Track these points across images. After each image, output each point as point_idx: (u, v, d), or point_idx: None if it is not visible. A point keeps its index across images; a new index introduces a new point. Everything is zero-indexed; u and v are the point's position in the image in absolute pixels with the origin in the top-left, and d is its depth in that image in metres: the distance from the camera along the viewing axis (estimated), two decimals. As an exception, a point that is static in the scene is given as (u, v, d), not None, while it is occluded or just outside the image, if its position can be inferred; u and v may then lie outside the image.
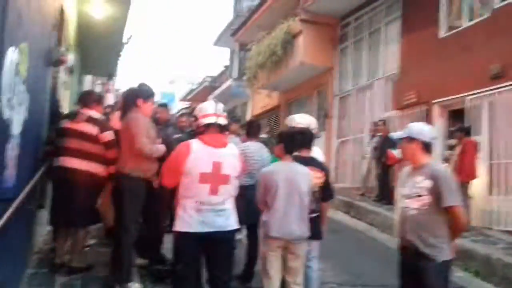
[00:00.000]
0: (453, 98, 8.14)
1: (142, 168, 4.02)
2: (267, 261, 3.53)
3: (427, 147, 3.11)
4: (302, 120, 4.67)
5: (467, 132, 7.20)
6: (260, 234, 3.74)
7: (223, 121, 3.48)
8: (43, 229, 5.17)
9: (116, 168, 4.10)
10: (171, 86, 37.18)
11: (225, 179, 3.33)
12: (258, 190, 3.68)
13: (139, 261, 4.53)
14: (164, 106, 6.57)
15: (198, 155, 3.27)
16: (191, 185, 3.24)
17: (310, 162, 3.95)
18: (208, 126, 3.41)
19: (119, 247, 3.97)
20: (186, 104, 29.99)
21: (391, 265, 3.40)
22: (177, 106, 27.90)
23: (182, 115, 6.33)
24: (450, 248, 3.00)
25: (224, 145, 3.44)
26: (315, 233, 3.85)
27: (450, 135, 8.05)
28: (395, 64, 10.23)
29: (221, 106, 3.56)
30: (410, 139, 3.14)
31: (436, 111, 8.68)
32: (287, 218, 3.48)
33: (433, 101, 8.64)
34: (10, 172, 2.69)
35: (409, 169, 3.23)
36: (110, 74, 12.81)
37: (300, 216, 3.53)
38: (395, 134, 3.36)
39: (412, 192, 3.07)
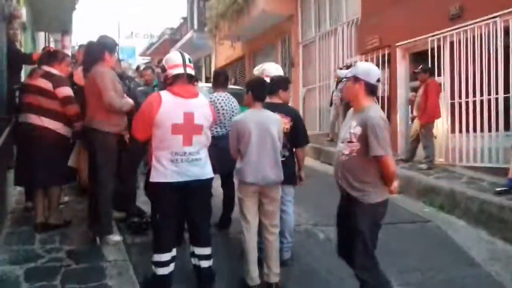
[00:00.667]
0: (415, 40, 8.26)
1: (112, 123, 3.97)
2: (244, 206, 3.62)
3: (371, 89, 2.97)
4: (260, 68, 4.72)
5: (429, 73, 7.39)
6: (235, 181, 3.82)
7: (191, 71, 3.46)
8: (13, 189, 5.08)
9: (84, 123, 4.04)
10: (130, 40, 35.88)
11: (197, 129, 3.37)
12: (231, 139, 3.72)
13: (116, 214, 4.55)
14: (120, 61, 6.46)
15: (169, 106, 3.27)
16: (164, 136, 3.27)
17: (278, 108, 4.00)
18: (177, 77, 3.39)
19: (97, 201, 3.98)
20: (146, 58, 29.20)
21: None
22: (137, 61, 27.09)
23: (146, 68, 6.20)
24: (381, 191, 2.96)
25: (194, 95, 3.44)
26: (290, 178, 3.97)
27: (413, 77, 8.24)
28: (357, 8, 10.20)
29: (187, 56, 3.52)
30: (355, 79, 2.99)
31: (398, 53, 8.81)
32: (261, 164, 3.56)
33: (396, 44, 8.75)
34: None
35: (351, 111, 3.14)
36: (65, 30, 12.22)
37: (274, 161, 3.61)
38: (342, 72, 3.25)
39: (345, 136, 3.02)
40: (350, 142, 2.95)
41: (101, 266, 3.57)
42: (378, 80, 3.04)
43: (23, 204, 4.79)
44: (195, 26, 20.39)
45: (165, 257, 3.33)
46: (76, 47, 10.65)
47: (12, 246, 3.87)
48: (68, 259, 3.66)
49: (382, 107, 9.23)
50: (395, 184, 3.01)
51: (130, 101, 4.10)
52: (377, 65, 9.30)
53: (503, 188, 5.49)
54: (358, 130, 2.90)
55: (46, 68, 4.25)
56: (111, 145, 4.00)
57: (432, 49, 7.72)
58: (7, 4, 4.54)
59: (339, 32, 11.08)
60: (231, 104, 4.78)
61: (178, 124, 3.27)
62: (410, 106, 8.36)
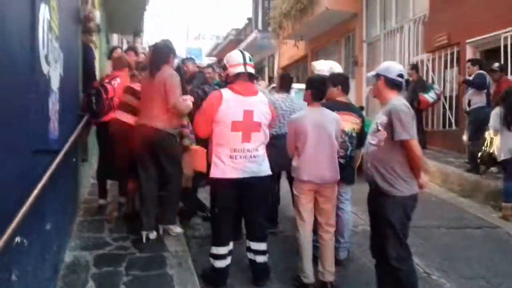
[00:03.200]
0: (487, 37, 7.78)
1: (174, 124, 4.11)
2: (299, 204, 3.62)
3: (392, 83, 3.07)
4: (322, 66, 4.69)
5: (503, 70, 6.92)
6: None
7: (251, 69, 3.50)
8: (87, 181, 5.40)
9: (150, 124, 4.02)
10: (197, 42, 36.86)
11: (256, 126, 3.42)
12: (289, 136, 3.73)
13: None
14: (190, 60, 6.62)
15: (229, 104, 3.34)
16: (224, 133, 3.34)
17: (348, 107, 3.99)
18: (237, 75, 3.44)
19: (167, 194, 4.15)
20: (212, 59, 29.84)
21: (421, 208, 3.40)
22: (204, 62, 27.78)
23: (208, 66, 6.35)
24: (411, 185, 2.95)
25: (254, 93, 3.49)
26: (349, 177, 3.93)
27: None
28: (425, 4, 9.79)
29: (248, 55, 3.56)
30: (378, 76, 3.13)
31: (469, 51, 8.34)
32: (317, 162, 3.54)
33: (466, 41, 8.29)
34: (54, 125, 2.82)
35: (380, 106, 3.23)
36: (136, 32, 12.79)
37: (330, 160, 3.58)
38: (370, 73, 3.30)
39: (373, 128, 3.11)
40: (378, 131, 3.02)
41: (162, 255, 3.71)
42: (400, 76, 3.10)
43: (95, 196, 5.08)
44: (259, 26, 20.55)
45: (223, 250, 3.42)
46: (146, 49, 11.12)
47: (84, 233, 4.13)
48: (133, 248, 3.84)
49: (450, 107, 8.81)
50: (425, 178, 3.01)
51: (190, 103, 4.18)
52: (445, 63, 8.90)
53: None
54: (384, 119, 2.98)
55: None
56: (176, 145, 4.17)
57: (505, 46, 7.23)
58: (81, 8, 4.84)
59: (405, 30, 10.69)
60: (291, 105, 4.74)
61: (238, 121, 3.33)
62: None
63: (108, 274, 3.32)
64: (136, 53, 6.07)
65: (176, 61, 4.82)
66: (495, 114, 5.65)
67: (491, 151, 5.77)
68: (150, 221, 4.04)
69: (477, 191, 6.35)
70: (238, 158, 3.34)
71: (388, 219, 2.96)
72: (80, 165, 4.79)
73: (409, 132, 2.88)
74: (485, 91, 6.82)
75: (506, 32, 7.23)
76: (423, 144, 8.10)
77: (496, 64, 6.89)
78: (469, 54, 8.33)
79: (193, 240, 4.40)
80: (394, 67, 3.15)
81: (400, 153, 2.94)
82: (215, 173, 3.37)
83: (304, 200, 3.60)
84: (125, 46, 14.97)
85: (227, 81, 3.55)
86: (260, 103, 3.49)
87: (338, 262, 3.76)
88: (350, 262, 4.02)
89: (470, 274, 3.94)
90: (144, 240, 3.96)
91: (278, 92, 4.90)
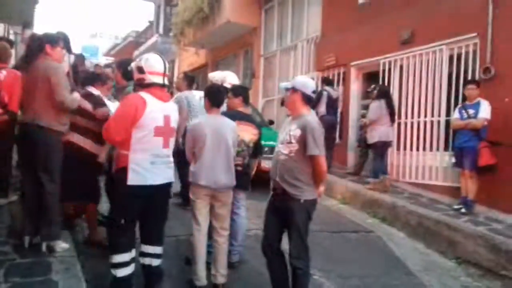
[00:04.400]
0: (368, 62, 8.58)
1: (62, 122, 3.79)
2: (195, 208, 3.65)
3: (307, 99, 3.32)
4: (216, 75, 5.29)
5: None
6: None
7: (167, 81, 3.43)
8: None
9: (26, 120, 3.76)
10: (94, 40, 35.00)
11: (172, 132, 3.41)
12: (187, 142, 3.76)
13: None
14: (80, 57, 6.33)
15: (153, 108, 3.23)
16: (146, 138, 3.20)
17: (247, 118, 4.15)
18: (155, 84, 3.32)
19: (47, 205, 3.71)
20: (110, 59, 28.57)
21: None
22: (100, 61, 26.46)
23: (106, 66, 6.11)
24: (313, 190, 3.26)
25: (168, 99, 3.47)
26: (244, 184, 4.07)
27: (366, 95, 8.54)
28: (317, 26, 10.48)
29: (167, 64, 3.46)
30: (294, 90, 3.32)
31: (353, 73, 9.12)
32: (214, 168, 3.61)
33: (351, 64, 9.05)
34: None
35: (290, 118, 3.45)
36: (26, 23, 11.77)
37: (227, 166, 3.67)
38: (282, 84, 3.51)
39: (285, 138, 3.30)
40: (290, 143, 3.23)
41: (47, 261, 3.48)
42: (313, 92, 3.39)
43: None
44: (161, 31, 20.22)
45: (127, 256, 3.22)
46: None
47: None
48: (13, 253, 3.54)
49: (341, 121, 9.50)
50: (321, 188, 3.35)
51: (77, 96, 3.90)
52: (334, 82, 9.61)
53: (460, 206, 5.81)
54: (297, 132, 3.19)
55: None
56: (61, 146, 3.81)
57: (384, 71, 8.05)
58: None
59: (299, 48, 11.32)
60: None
61: (160, 126, 3.25)
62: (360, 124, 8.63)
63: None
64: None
65: (72, 57, 4.56)
66: (375, 106, 6.95)
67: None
68: (33, 225, 3.73)
69: (356, 199, 6.94)
70: (159, 164, 3.26)
71: (294, 220, 3.20)
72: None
73: (320, 149, 3.16)
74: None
75: (384, 58, 8.05)
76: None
77: (372, 86, 7.67)
78: (353, 75, 9.10)
79: (80, 244, 4.16)
80: (310, 84, 3.38)
81: (307, 164, 3.20)
82: (134, 180, 3.16)
83: (200, 204, 3.64)
84: (11, 37, 13.70)
85: (139, 84, 3.38)
86: (173, 109, 3.48)
87: (230, 265, 3.85)
88: (242, 264, 4.14)
89: (346, 274, 4.30)
90: (26, 245, 3.65)
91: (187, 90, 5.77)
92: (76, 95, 3.89)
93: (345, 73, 9.31)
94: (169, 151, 3.38)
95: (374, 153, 7.20)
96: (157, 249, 3.46)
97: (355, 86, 9.15)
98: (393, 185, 7.24)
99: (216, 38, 14.05)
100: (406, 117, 7.62)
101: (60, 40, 3.97)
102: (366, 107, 8.39)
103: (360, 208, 6.74)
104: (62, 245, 3.80)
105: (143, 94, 3.27)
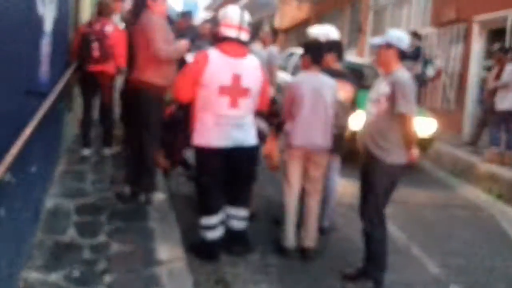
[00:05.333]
0: (494, 16, 7.82)
1: (163, 75, 3.88)
2: (288, 169, 3.73)
3: (402, 54, 3.20)
4: (316, 30, 4.74)
5: (506, 52, 7.01)
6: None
7: (245, 36, 3.34)
8: (70, 130, 5.47)
9: (131, 74, 4.02)
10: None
11: (245, 92, 3.29)
12: (284, 100, 3.80)
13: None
14: (186, 14, 6.58)
15: (217, 66, 3.18)
16: (210, 98, 3.20)
17: (341, 74, 4.04)
18: (228, 38, 3.28)
19: (145, 157, 4.00)
20: (210, 14, 29.31)
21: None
22: (200, 16, 27.30)
23: (205, 21, 6.31)
24: (401, 154, 3.15)
25: (244, 55, 3.34)
26: (339, 147, 4.04)
27: (489, 55, 7.85)
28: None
29: (247, 16, 3.37)
30: (388, 45, 3.19)
31: (475, 29, 8.39)
32: (310, 128, 3.62)
33: (473, 19, 8.31)
34: (45, 68, 2.88)
35: (381, 75, 3.35)
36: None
37: (324, 127, 3.64)
38: (376, 40, 3.37)
39: (374, 97, 3.23)
40: (379, 102, 3.14)
41: (145, 209, 3.85)
42: (409, 47, 3.25)
43: (79, 146, 5.19)
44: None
45: (214, 219, 3.36)
46: None
47: (66, 182, 4.24)
48: (115, 200, 3.97)
49: (452, 84, 8.91)
50: (415, 151, 3.22)
51: (182, 45, 3.97)
52: (452, 40, 8.96)
53: None
54: (387, 90, 3.10)
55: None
56: (161, 100, 4.02)
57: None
58: None
59: (413, 0, 10.63)
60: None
61: (226, 86, 3.20)
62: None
63: (89, 223, 3.46)
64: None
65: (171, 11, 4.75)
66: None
67: None
68: (134, 176, 4.09)
69: (469, 172, 6.57)
70: (223, 125, 3.24)
71: (373, 182, 3.18)
72: (66, 113, 4.86)
73: (410, 106, 3.06)
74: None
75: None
76: None
77: (496, 47, 7.00)
78: (476, 32, 8.37)
79: (176, 197, 4.52)
80: (405, 37, 3.26)
81: (397, 124, 3.10)
82: (198, 140, 3.28)
83: (294, 166, 3.70)
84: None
85: (216, 38, 3.39)
86: (250, 66, 3.35)
87: (321, 230, 3.92)
88: (333, 231, 4.19)
89: (450, 252, 4.15)
90: (127, 194, 4.04)
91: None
92: (180, 44, 3.96)
93: (466, 29, 8.59)
94: (239, 112, 3.29)
95: (497, 122, 6.70)
96: (241, 211, 3.51)
97: (477, 45, 8.43)
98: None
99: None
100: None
101: None
102: (489, 68, 7.75)
103: (474, 183, 6.38)
104: (159, 196, 4.16)
105: (211, 50, 3.25)
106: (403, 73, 3.16)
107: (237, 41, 3.29)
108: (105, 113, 5.23)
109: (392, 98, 3.07)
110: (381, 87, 3.18)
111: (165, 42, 3.78)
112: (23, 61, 2.29)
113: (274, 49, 6.08)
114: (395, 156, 3.15)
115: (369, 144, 3.20)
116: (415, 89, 3.16)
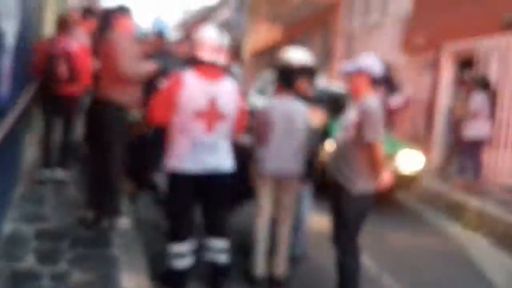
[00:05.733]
0: (464, 45, 8.15)
1: (127, 94, 3.86)
2: (260, 195, 3.72)
3: (374, 81, 3.24)
4: (290, 54, 4.74)
5: (476, 81, 7.24)
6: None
7: (222, 60, 3.31)
8: (32, 151, 5.32)
9: (99, 95, 3.95)
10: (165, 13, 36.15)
11: (221, 117, 3.25)
12: (256, 126, 3.80)
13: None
14: (161, 34, 6.54)
15: (192, 90, 3.15)
16: (185, 122, 3.17)
17: (313, 100, 4.05)
18: (202, 61, 3.23)
19: (109, 180, 3.93)
20: (180, 33, 29.46)
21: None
22: (171, 35, 27.36)
23: (182, 40, 6.24)
24: (368, 183, 3.20)
25: (220, 78, 3.31)
26: (310, 173, 4.05)
27: (459, 83, 8.15)
28: (406, 2, 10.08)
29: (226, 40, 3.34)
30: (361, 72, 3.23)
31: (445, 57, 8.71)
32: (282, 154, 3.63)
33: (443, 47, 8.64)
34: (6, 83, 2.80)
35: (352, 102, 3.41)
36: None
37: (295, 154, 3.67)
38: (349, 66, 3.42)
39: (343, 124, 3.31)
40: (347, 130, 3.22)
41: (109, 235, 3.75)
42: (379, 75, 3.29)
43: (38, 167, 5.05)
44: (234, 4, 20.47)
45: (183, 247, 3.29)
46: None
47: (25, 205, 4.11)
48: (77, 226, 3.85)
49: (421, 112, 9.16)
50: (384, 177, 3.24)
51: (150, 64, 3.97)
52: (422, 67, 9.26)
53: None
54: (355, 117, 3.16)
55: None
56: (125, 120, 3.98)
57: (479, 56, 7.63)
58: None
59: (385, 26, 10.96)
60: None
61: (201, 110, 3.16)
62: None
63: (50, 249, 3.35)
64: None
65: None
66: (479, 99, 6.72)
67: None
68: (97, 200, 3.99)
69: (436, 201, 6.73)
70: (198, 150, 3.21)
71: (342, 212, 3.22)
72: (26, 133, 4.73)
73: (377, 135, 3.11)
74: None
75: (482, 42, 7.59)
76: None
77: (468, 76, 7.34)
78: (445, 59, 8.70)
79: (143, 222, 4.41)
80: (377, 64, 3.30)
81: (364, 152, 3.15)
82: (172, 164, 3.24)
83: (265, 191, 3.70)
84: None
85: (192, 60, 3.34)
86: (227, 90, 3.31)
87: (292, 259, 3.89)
88: (304, 259, 4.17)
89: (419, 281, 4.22)
90: (89, 219, 3.93)
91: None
92: (147, 66, 3.94)
93: (436, 57, 8.92)
94: (215, 136, 3.25)
95: (465, 150, 6.91)
96: (219, 243, 3.41)
97: (447, 73, 8.74)
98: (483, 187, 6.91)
99: (293, 12, 14.00)
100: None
101: (127, 10, 4.06)
102: (459, 98, 8.02)
103: (443, 211, 6.52)
104: (124, 221, 4.05)
105: (187, 73, 3.23)
106: (373, 101, 3.21)
107: (214, 64, 3.26)
108: (66, 134, 5.09)
109: (359, 127, 3.12)
110: (350, 115, 3.25)
111: (130, 62, 3.75)
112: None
113: (236, 69, 6.05)
114: (360, 185, 3.19)
115: (336, 173, 3.26)
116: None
